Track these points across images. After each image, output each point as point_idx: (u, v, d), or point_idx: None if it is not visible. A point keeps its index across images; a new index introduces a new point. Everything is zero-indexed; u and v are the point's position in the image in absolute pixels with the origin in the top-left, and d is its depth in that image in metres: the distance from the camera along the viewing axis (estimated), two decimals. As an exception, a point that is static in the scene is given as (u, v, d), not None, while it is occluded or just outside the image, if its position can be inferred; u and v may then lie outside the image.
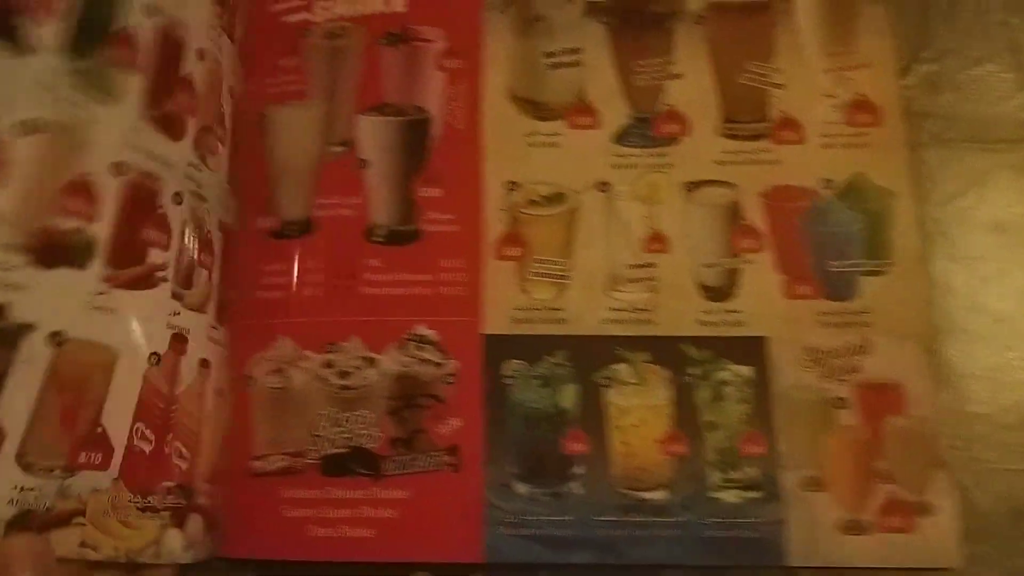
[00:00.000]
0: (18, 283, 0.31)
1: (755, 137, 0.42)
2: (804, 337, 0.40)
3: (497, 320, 0.40)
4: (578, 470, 0.39)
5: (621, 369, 0.40)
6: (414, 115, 0.42)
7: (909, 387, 0.39)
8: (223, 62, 0.42)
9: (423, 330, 0.40)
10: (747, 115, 0.42)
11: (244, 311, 0.41)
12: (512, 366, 0.39)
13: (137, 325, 0.35)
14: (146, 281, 0.36)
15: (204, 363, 0.39)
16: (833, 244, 0.41)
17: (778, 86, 0.43)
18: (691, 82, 0.43)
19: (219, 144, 0.41)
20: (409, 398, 0.39)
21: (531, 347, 0.40)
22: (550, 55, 0.43)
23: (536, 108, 0.43)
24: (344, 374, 0.40)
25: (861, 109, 0.42)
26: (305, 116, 0.43)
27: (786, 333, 0.40)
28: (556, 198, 0.41)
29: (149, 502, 0.36)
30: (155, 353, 0.36)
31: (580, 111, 0.42)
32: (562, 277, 0.41)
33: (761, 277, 0.41)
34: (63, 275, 0.33)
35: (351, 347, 0.40)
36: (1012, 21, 0.45)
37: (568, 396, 0.39)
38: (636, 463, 0.39)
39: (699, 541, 0.38)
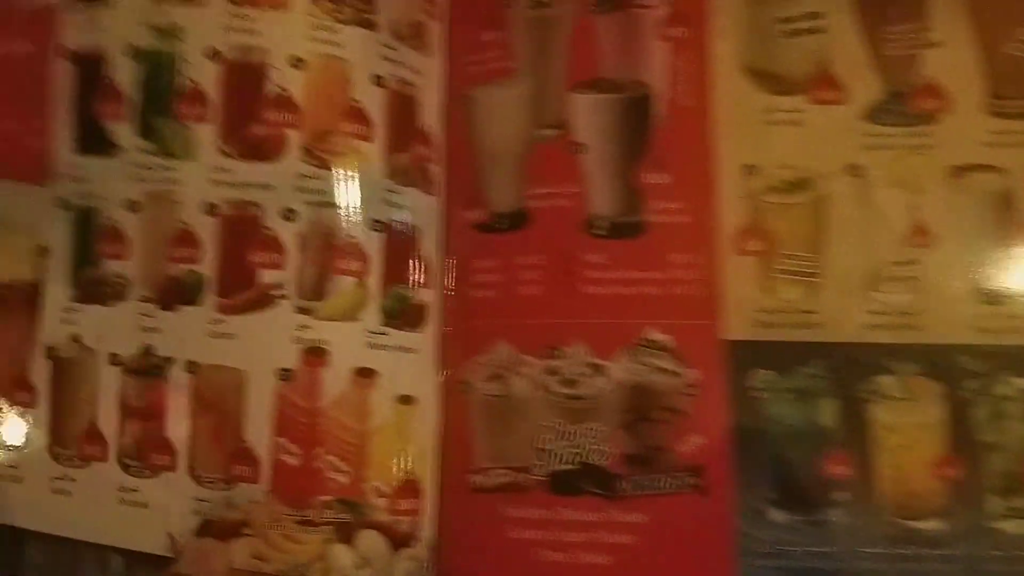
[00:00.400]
0: (155, 326, 0.37)
1: None
2: None
3: (740, 324, 0.36)
4: (840, 496, 0.34)
5: (887, 382, 0.35)
6: (634, 91, 0.37)
7: None
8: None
9: (656, 335, 0.36)
10: (1018, 90, 0.37)
11: (456, 311, 0.38)
12: (761, 377, 0.35)
13: (259, 345, 0.37)
14: (260, 302, 0.37)
15: (364, 372, 0.36)
16: None
17: None
18: (951, 52, 0.37)
19: (356, 141, 0.38)
20: (644, 411, 0.35)
21: (781, 355, 0.35)
22: (786, 21, 0.38)
23: (773, 81, 0.38)
24: (570, 382, 0.36)
25: None
26: (512, 96, 0.38)
27: None
28: (801, 184, 0.37)
29: (306, 516, 0.36)
30: (284, 369, 0.36)
31: (824, 84, 0.37)
32: (812, 275, 0.36)
33: None
34: (185, 312, 0.37)
35: (576, 352, 0.36)
36: None
37: (827, 412, 0.35)
38: (906, 488, 0.34)
39: None
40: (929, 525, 0.34)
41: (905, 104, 0.37)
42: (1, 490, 0.38)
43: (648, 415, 0.35)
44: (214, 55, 0.37)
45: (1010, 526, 0.34)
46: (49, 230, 0.39)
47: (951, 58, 0.37)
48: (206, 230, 0.37)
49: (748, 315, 0.36)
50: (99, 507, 0.37)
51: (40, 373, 0.38)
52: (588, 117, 0.38)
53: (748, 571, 0.34)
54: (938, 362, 0.35)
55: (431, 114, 0.40)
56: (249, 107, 0.37)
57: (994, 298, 0.36)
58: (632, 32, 0.38)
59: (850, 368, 0.35)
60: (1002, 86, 0.37)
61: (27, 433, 0.38)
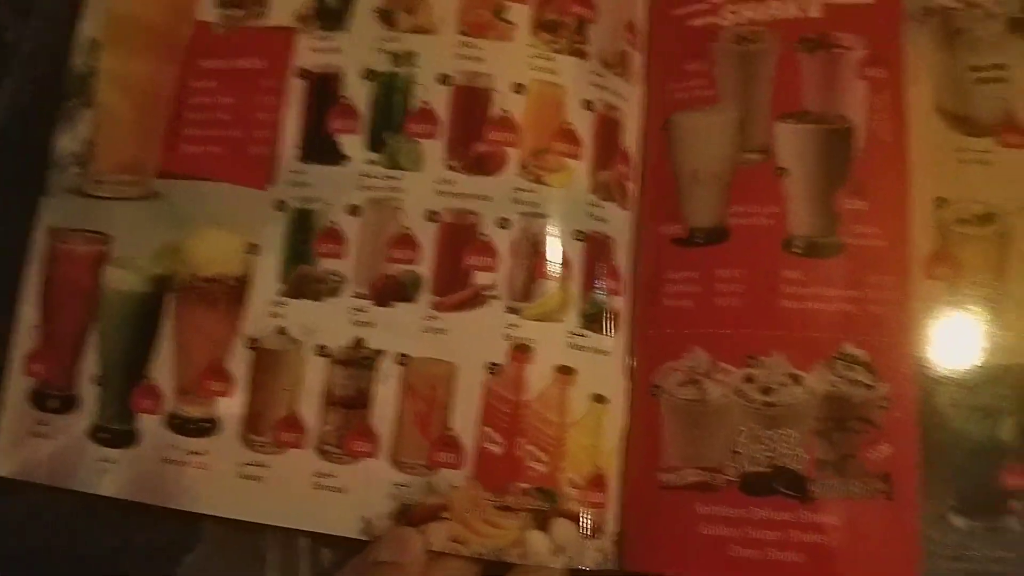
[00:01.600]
0: (368, 320, 0.40)
1: None
2: None
3: (928, 343, 0.38)
4: (1017, 505, 0.37)
5: None
6: (837, 124, 0.41)
7: None
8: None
9: (852, 349, 0.38)
10: None
11: (647, 320, 0.41)
12: (950, 394, 0.38)
13: (470, 340, 0.39)
14: (473, 301, 0.40)
15: (565, 370, 0.39)
16: None
17: None
18: None
19: (565, 159, 0.41)
20: (840, 420, 0.38)
21: (972, 375, 0.38)
22: (976, 69, 0.42)
23: (964, 123, 0.41)
24: (767, 390, 0.38)
25: None
26: (717, 121, 0.42)
27: None
28: (988, 218, 0.40)
29: (506, 502, 0.38)
30: (493, 363, 0.39)
31: (1010, 129, 0.41)
32: (997, 302, 0.39)
33: None
34: (400, 309, 0.40)
35: (774, 362, 0.39)
36: None
37: (1009, 428, 0.37)
38: None
39: None
40: None
41: (1085, 152, 0.40)
42: (186, 476, 0.40)
43: (842, 424, 0.38)
44: (444, 80, 0.42)
45: None
46: (262, 229, 0.41)
47: None
48: (426, 234, 0.41)
49: (934, 335, 0.38)
50: (291, 492, 0.39)
51: (240, 363, 0.40)
52: (793, 144, 0.41)
53: (933, 572, 0.36)
54: None
55: (632, 136, 0.43)
56: (474, 127, 0.41)
57: None
58: (833, 70, 0.41)
59: None
60: None
61: (219, 419, 0.40)
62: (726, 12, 0.43)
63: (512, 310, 0.39)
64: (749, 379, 0.39)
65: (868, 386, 0.38)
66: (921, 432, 0.37)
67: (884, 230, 0.40)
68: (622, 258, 0.42)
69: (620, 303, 0.41)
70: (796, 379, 0.38)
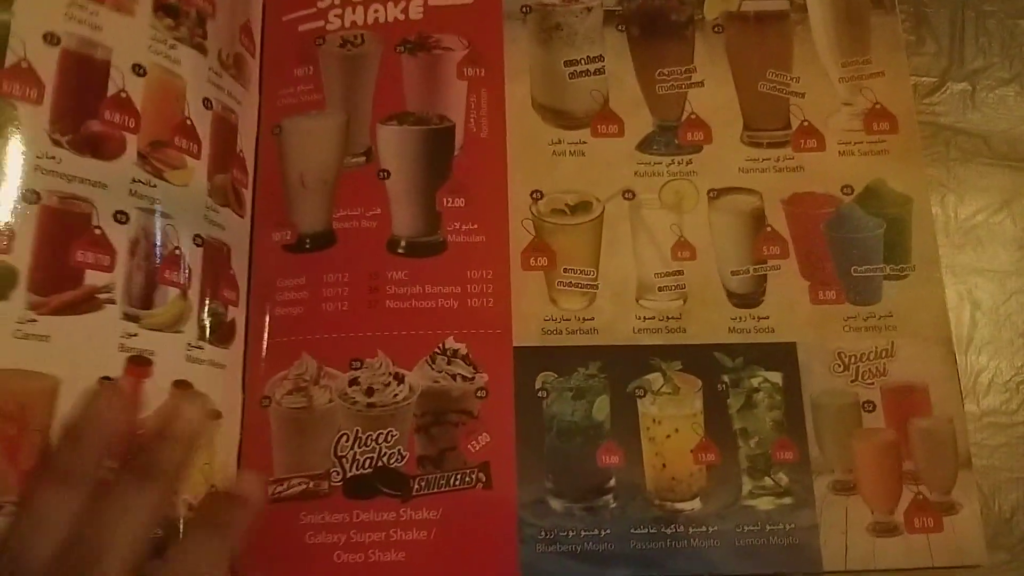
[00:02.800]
0: None
1: (777, 145, 0.43)
2: (832, 342, 0.41)
3: (527, 332, 0.40)
4: (612, 483, 0.39)
5: (654, 379, 0.40)
6: (437, 124, 0.42)
7: (933, 389, 0.40)
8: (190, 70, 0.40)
9: (453, 343, 0.39)
10: (769, 123, 0.43)
11: (260, 330, 0.40)
12: (544, 378, 0.39)
13: (78, 350, 0.34)
14: (86, 305, 0.35)
15: (181, 385, 0.37)
16: (855, 249, 0.42)
17: (798, 95, 0.44)
18: (713, 90, 0.43)
19: (185, 157, 0.39)
20: (439, 414, 0.39)
21: (563, 359, 0.40)
22: (571, 63, 0.43)
23: (560, 116, 0.43)
24: (371, 391, 0.39)
25: (878, 117, 0.44)
26: (323, 126, 0.42)
27: (814, 338, 0.41)
28: (582, 207, 0.42)
29: None
30: (106, 378, 0.35)
31: (604, 119, 0.43)
32: (590, 286, 0.41)
33: (787, 283, 0.42)
34: None
35: (378, 363, 0.39)
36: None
37: (602, 408, 0.39)
38: (669, 474, 0.39)
39: (735, 550, 0.38)
40: (691, 506, 0.38)
41: (675, 136, 0.43)
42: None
43: (442, 418, 0.39)
44: (51, 39, 0.36)
45: (761, 503, 0.39)
46: None
47: (713, 96, 0.44)
48: (23, 218, 0.34)
49: (535, 324, 0.40)
50: None
51: None
52: (394, 146, 0.42)
53: (530, 557, 0.37)
54: (699, 359, 0.40)
55: (246, 141, 0.42)
56: (88, 101, 0.36)
57: (745, 302, 0.41)
58: (434, 71, 0.43)
59: (623, 367, 0.40)
60: (756, 120, 0.44)
61: None
62: (332, 16, 0.43)
63: (130, 317, 0.36)
64: (354, 382, 0.39)
65: (467, 378, 0.39)
66: (518, 419, 0.39)
67: (484, 226, 0.41)
68: (239, 268, 0.41)
69: (237, 314, 0.41)
70: (399, 378, 0.39)
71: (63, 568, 0.24)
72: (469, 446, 0.38)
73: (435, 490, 0.38)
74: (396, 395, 0.39)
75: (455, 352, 0.39)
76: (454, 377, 0.39)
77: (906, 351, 0.41)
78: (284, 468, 0.38)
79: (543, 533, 0.38)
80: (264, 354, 0.40)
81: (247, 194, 0.42)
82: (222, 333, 0.40)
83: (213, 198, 0.40)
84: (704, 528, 0.38)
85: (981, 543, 0.39)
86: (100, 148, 0.36)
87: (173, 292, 0.38)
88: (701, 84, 0.44)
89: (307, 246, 0.41)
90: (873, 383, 0.40)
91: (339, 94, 0.42)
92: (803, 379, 0.40)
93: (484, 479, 0.38)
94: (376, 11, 0.43)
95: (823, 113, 0.44)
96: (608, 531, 0.38)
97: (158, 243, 0.37)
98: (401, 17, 0.43)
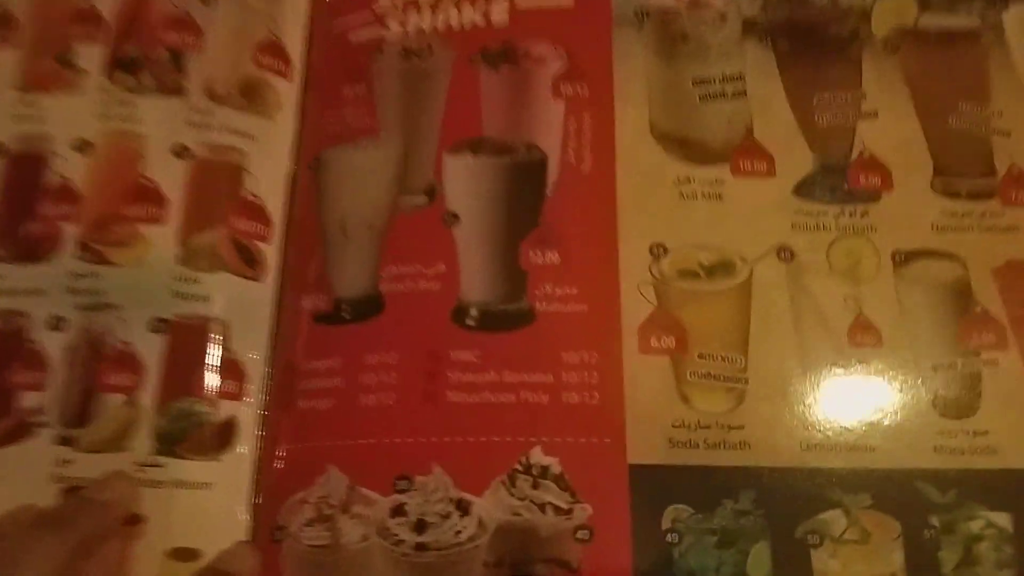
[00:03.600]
0: None
1: (980, 196, 0.32)
2: None
3: (648, 444, 0.28)
4: None
5: (832, 519, 0.28)
6: (523, 155, 0.32)
7: None
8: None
9: (540, 457, 0.28)
10: (967, 168, 0.33)
11: (279, 431, 0.30)
12: (675, 514, 0.28)
13: (8, 485, 0.30)
14: (16, 433, 0.30)
15: (132, 520, 0.29)
16: None
17: (1002, 134, 0.33)
18: (889, 123, 0.33)
19: (138, 226, 0.32)
20: (522, 564, 0.27)
21: (701, 485, 0.28)
22: (702, 82, 0.33)
23: (688, 148, 0.32)
24: (422, 525, 0.27)
25: None
26: (373, 156, 0.33)
27: None
28: (722, 268, 0.31)
29: None
30: None
31: (749, 153, 0.32)
32: (737, 380, 0.29)
33: (1009, 384, 0.30)
34: None
35: (434, 483, 0.28)
36: None
37: (761, 563, 0.27)
38: None
39: None
40: None
41: (843, 179, 0.32)
42: None
43: (525, 569, 0.27)
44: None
45: None
46: None
47: (890, 130, 0.33)
48: None
49: (659, 431, 0.29)
50: None
51: None
52: (466, 182, 0.32)
53: None
54: (895, 491, 0.28)
55: (265, 184, 0.33)
56: (25, 202, 0.32)
57: (954, 410, 0.29)
58: (522, 88, 0.33)
59: (788, 502, 0.28)
60: (949, 162, 0.33)
61: None
62: (391, 22, 0.34)
63: (64, 440, 0.30)
64: (399, 510, 0.28)
65: (562, 509, 0.27)
66: (635, 574, 0.27)
67: (586, 291, 0.30)
68: (248, 346, 0.31)
69: (240, 409, 0.30)
70: (462, 507, 0.28)
71: None
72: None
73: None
74: (459, 532, 0.27)
75: (545, 470, 0.28)
76: (543, 508, 0.27)
77: None
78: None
79: None
80: (284, 466, 0.29)
81: (268, 249, 0.33)
82: (204, 440, 0.30)
83: (189, 265, 0.32)
84: None
85: None
86: (36, 250, 0.32)
87: (114, 399, 0.30)
88: (874, 115, 0.33)
89: (345, 315, 0.31)
90: None
91: (397, 118, 0.33)
92: (1045, 523, 0.28)
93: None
94: (448, 15, 0.34)
95: (1039, 156, 0.33)
96: None
97: (97, 344, 0.31)
98: (481, 22, 0.34)
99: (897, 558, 0.28)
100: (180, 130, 0.34)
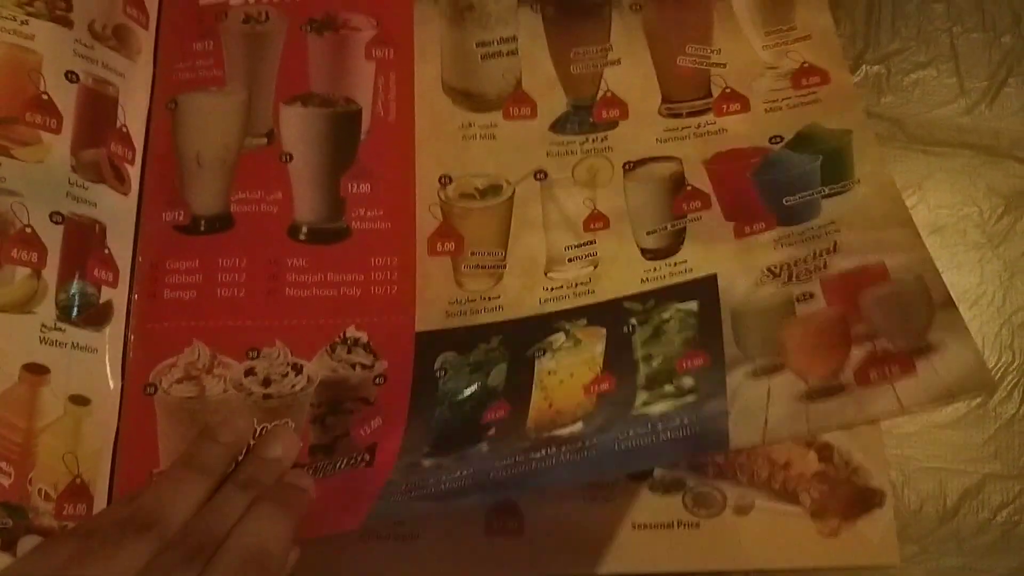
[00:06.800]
0: None
1: (698, 113, 0.41)
2: (760, 261, 0.38)
3: (431, 316, 0.39)
4: (492, 432, 0.36)
5: (556, 338, 0.38)
6: (343, 107, 0.41)
7: (891, 263, 0.36)
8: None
9: (354, 332, 0.39)
10: (689, 95, 0.42)
11: (147, 313, 0.39)
12: (444, 359, 0.38)
13: None
14: None
15: (35, 368, 0.36)
16: (788, 184, 0.39)
17: (719, 65, 0.42)
18: (630, 68, 0.43)
19: (40, 132, 0.38)
20: (336, 403, 0.38)
21: (465, 338, 0.38)
22: (483, 44, 0.43)
23: (471, 99, 0.42)
24: (268, 382, 0.38)
25: (807, 74, 0.41)
26: (222, 103, 0.42)
27: (737, 265, 0.38)
28: (492, 190, 0.41)
29: None
30: None
31: (517, 101, 0.42)
32: (498, 267, 0.40)
33: (709, 229, 0.39)
34: None
35: (276, 353, 0.38)
36: (954, 29, 0.47)
37: (498, 375, 0.37)
38: (554, 410, 0.36)
39: (613, 453, 0.33)
40: (570, 429, 0.35)
41: (589, 115, 0.42)
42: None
43: (338, 407, 0.38)
44: None
45: (654, 408, 0.34)
46: None
47: (630, 73, 0.42)
48: None
49: (440, 308, 0.39)
50: None
51: None
52: (298, 128, 0.41)
53: (381, 507, 0.33)
54: (606, 312, 0.38)
55: (134, 116, 0.41)
56: None
57: (659, 255, 0.39)
58: (341, 51, 0.42)
59: (526, 335, 0.38)
60: (676, 93, 0.42)
61: None
62: (235, -8, 0.43)
63: None
64: (250, 371, 0.38)
65: (366, 366, 0.38)
66: (412, 399, 0.37)
67: (389, 212, 0.40)
68: (120, 247, 0.40)
69: (115, 295, 0.39)
70: (297, 368, 0.38)
71: (187, 540, 0.28)
72: (361, 431, 0.37)
73: (321, 476, 0.36)
74: (294, 386, 0.38)
75: (356, 341, 0.39)
76: (353, 366, 0.38)
77: (854, 243, 0.36)
78: (171, 459, 0.37)
79: (404, 486, 0.34)
80: (152, 339, 0.39)
81: (132, 171, 0.41)
82: (92, 315, 0.38)
83: (79, 174, 0.39)
84: (580, 443, 0.34)
85: (984, 370, 0.33)
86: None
87: (22, 272, 0.37)
88: (618, 63, 0.43)
89: (202, 228, 0.40)
90: (811, 278, 0.36)
91: (241, 72, 0.42)
92: (723, 299, 0.37)
93: (368, 459, 0.36)
94: (282, -12, 0.43)
95: (747, 79, 0.42)
96: (471, 471, 0.34)
97: (4, 222, 0.37)
98: (310, -5, 0.43)
99: (599, 347, 0.37)
100: (70, 58, 0.40)
